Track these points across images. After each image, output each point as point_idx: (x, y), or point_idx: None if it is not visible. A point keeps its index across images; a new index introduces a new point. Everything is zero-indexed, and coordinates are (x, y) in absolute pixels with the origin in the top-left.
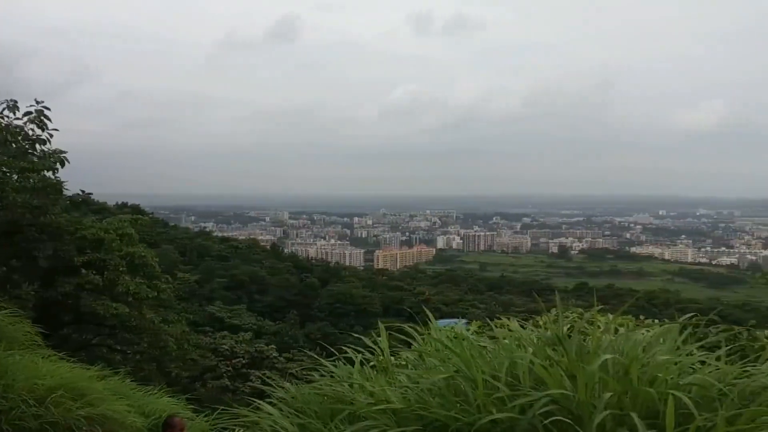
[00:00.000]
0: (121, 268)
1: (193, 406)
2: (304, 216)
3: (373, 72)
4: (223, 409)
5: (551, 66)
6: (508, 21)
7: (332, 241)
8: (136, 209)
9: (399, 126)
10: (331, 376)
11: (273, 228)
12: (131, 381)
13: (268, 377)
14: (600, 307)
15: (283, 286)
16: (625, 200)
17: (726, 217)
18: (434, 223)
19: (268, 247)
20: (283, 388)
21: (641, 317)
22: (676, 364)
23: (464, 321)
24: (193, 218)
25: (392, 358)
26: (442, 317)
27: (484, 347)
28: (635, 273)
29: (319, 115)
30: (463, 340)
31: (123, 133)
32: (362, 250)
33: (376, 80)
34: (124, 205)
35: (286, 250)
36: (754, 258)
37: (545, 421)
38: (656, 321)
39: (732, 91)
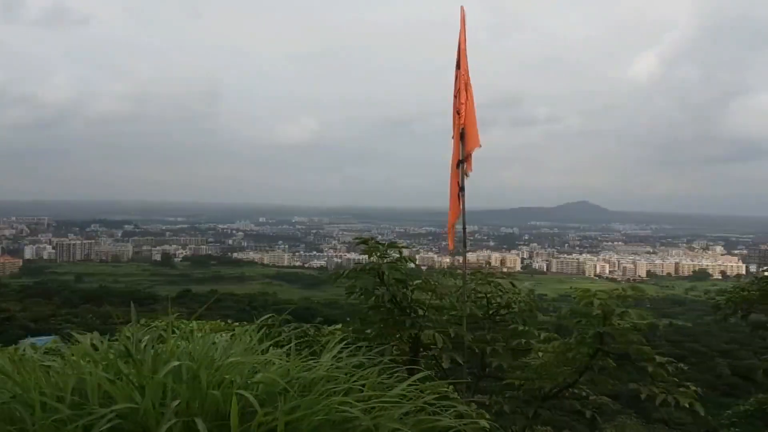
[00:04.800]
0: None
1: None
2: None
3: None
4: None
5: (157, 70)
6: (114, 19)
7: None
8: None
9: None
10: None
11: None
12: None
13: None
14: (177, 313)
15: None
16: (229, 208)
17: (317, 224)
18: (21, 231)
19: None
20: None
21: (230, 321)
22: (245, 364)
23: (42, 339)
24: None
25: None
26: (30, 335)
27: (50, 367)
28: (237, 278)
29: None
30: (24, 360)
31: None
32: None
33: None
34: None
35: None
36: (339, 260)
37: None
38: (243, 323)
39: (320, 109)
